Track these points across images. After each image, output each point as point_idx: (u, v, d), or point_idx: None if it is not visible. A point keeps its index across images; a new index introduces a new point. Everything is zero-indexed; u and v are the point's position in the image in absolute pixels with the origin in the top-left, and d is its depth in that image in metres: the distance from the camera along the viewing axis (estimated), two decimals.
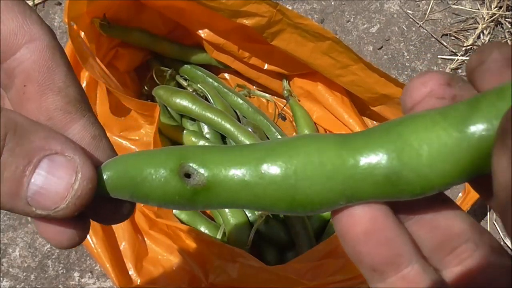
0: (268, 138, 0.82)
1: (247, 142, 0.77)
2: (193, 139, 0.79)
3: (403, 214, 0.21)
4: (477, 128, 0.18)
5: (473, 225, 0.21)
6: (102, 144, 0.24)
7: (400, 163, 0.19)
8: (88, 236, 0.62)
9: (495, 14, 0.97)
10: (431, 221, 0.21)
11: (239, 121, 0.83)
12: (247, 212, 0.75)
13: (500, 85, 0.19)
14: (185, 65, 0.89)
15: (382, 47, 0.98)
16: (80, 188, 0.20)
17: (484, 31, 0.98)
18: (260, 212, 0.73)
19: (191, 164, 0.21)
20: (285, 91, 0.85)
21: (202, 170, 0.21)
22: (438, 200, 0.21)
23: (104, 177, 0.21)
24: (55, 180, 0.20)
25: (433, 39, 0.99)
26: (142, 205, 0.68)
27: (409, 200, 0.20)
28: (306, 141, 0.21)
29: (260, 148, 0.21)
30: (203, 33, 0.79)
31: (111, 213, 0.23)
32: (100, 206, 0.22)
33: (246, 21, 0.69)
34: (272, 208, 0.21)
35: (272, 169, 0.20)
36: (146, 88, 0.87)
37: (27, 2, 1.00)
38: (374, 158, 0.19)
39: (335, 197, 0.20)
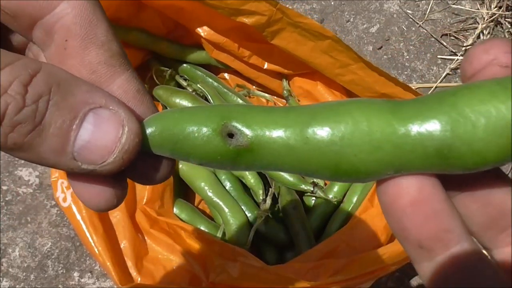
0: None
1: None
2: None
3: (453, 187, 0.20)
4: None
5: None
6: (146, 99, 0.23)
7: (453, 135, 0.18)
8: (88, 235, 0.62)
9: (495, 14, 0.97)
10: (484, 196, 0.20)
11: None
12: (247, 212, 0.75)
13: None
14: (185, 65, 0.89)
15: (382, 47, 0.98)
16: (127, 142, 0.20)
17: (484, 31, 0.98)
18: (259, 212, 0.72)
19: (234, 124, 0.20)
20: (285, 91, 0.85)
21: (245, 131, 0.20)
22: (492, 175, 0.20)
23: (147, 132, 0.21)
24: (102, 134, 0.19)
25: (433, 39, 0.99)
26: (143, 203, 0.68)
27: (460, 174, 0.19)
28: (354, 106, 0.20)
29: (305, 112, 0.20)
30: (203, 31, 0.79)
31: (151, 171, 0.22)
32: (139, 164, 0.22)
33: (246, 20, 0.69)
34: (316, 174, 0.20)
35: (317, 134, 0.19)
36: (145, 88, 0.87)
37: None
38: (426, 129, 0.18)
39: (382, 167, 0.19)
